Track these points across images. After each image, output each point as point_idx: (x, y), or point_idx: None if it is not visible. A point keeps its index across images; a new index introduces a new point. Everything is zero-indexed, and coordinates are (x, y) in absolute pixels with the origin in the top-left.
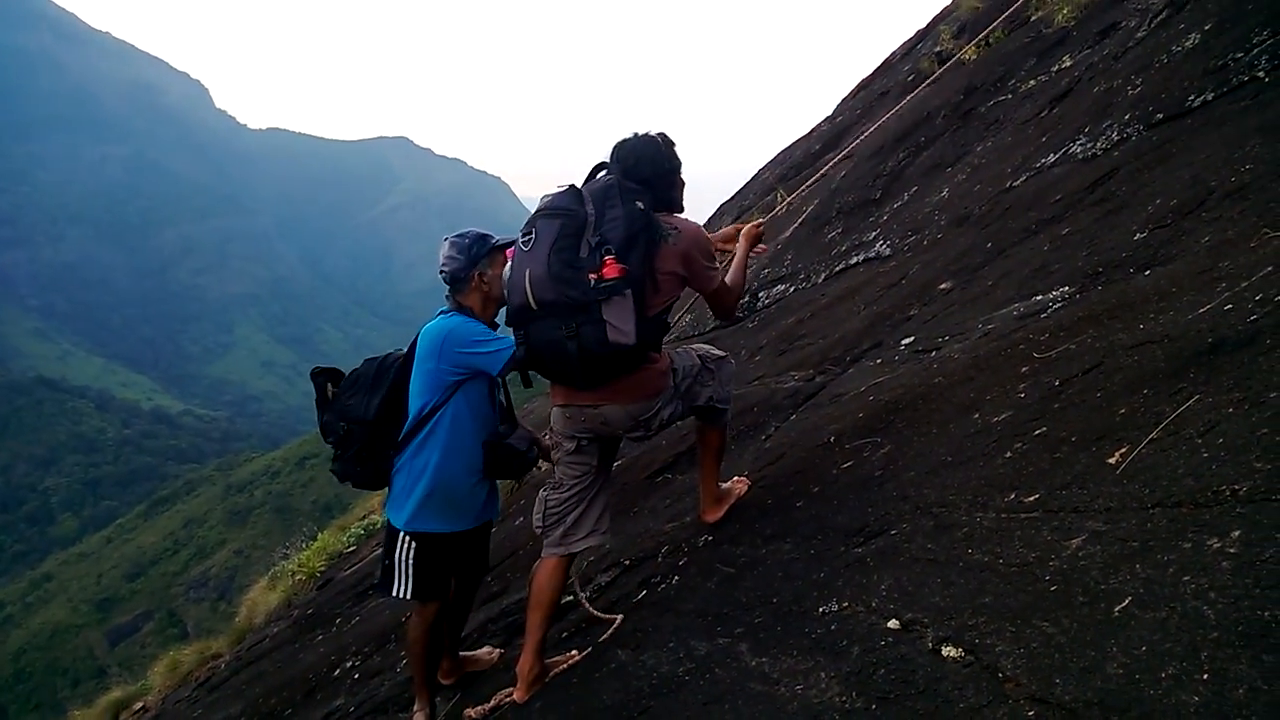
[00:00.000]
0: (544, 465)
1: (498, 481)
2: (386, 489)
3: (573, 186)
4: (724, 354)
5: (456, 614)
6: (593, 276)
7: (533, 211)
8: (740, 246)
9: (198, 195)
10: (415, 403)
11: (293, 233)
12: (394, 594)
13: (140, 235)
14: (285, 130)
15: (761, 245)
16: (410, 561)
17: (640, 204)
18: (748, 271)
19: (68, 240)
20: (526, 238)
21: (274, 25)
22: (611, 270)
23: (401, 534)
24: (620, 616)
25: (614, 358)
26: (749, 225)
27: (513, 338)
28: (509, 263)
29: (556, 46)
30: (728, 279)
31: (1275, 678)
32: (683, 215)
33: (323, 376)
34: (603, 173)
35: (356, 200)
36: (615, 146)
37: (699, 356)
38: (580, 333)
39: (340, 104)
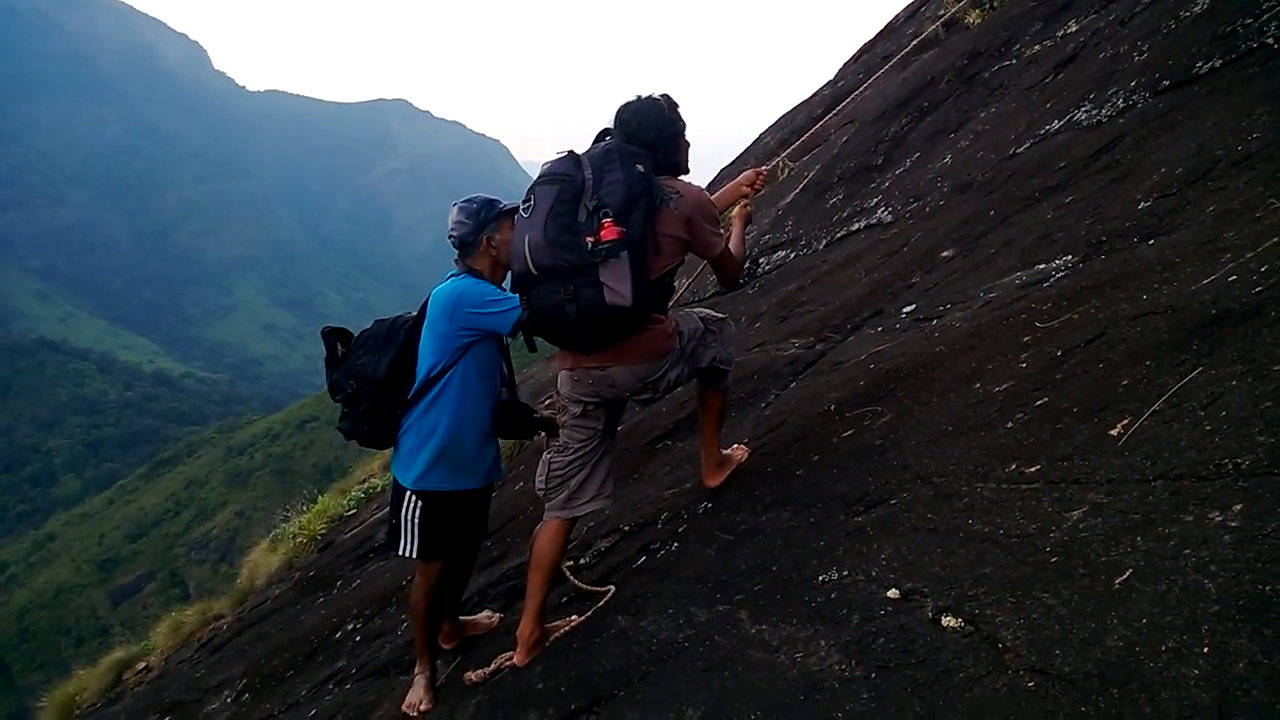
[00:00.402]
0: (543, 434)
1: (500, 443)
2: (391, 449)
3: (571, 152)
4: (724, 316)
5: (457, 578)
6: (589, 240)
7: (534, 176)
8: (735, 225)
9: (197, 158)
10: (425, 363)
11: (292, 196)
12: (400, 552)
13: (140, 197)
14: (284, 92)
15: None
16: (416, 520)
17: (640, 167)
18: (746, 240)
19: (67, 202)
20: (526, 204)
21: None
22: (609, 233)
23: (408, 493)
24: (611, 589)
25: (612, 320)
26: (738, 206)
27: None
28: None
29: (557, 7)
30: (730, 247)
31: (1276, 652)
32: (687, 178)
33: (333, 335)
34: (607, 139)
35: (356, 163)
36: (618, 110)
37: (701, 319)
38: (578, 295)
39: (339, 66)
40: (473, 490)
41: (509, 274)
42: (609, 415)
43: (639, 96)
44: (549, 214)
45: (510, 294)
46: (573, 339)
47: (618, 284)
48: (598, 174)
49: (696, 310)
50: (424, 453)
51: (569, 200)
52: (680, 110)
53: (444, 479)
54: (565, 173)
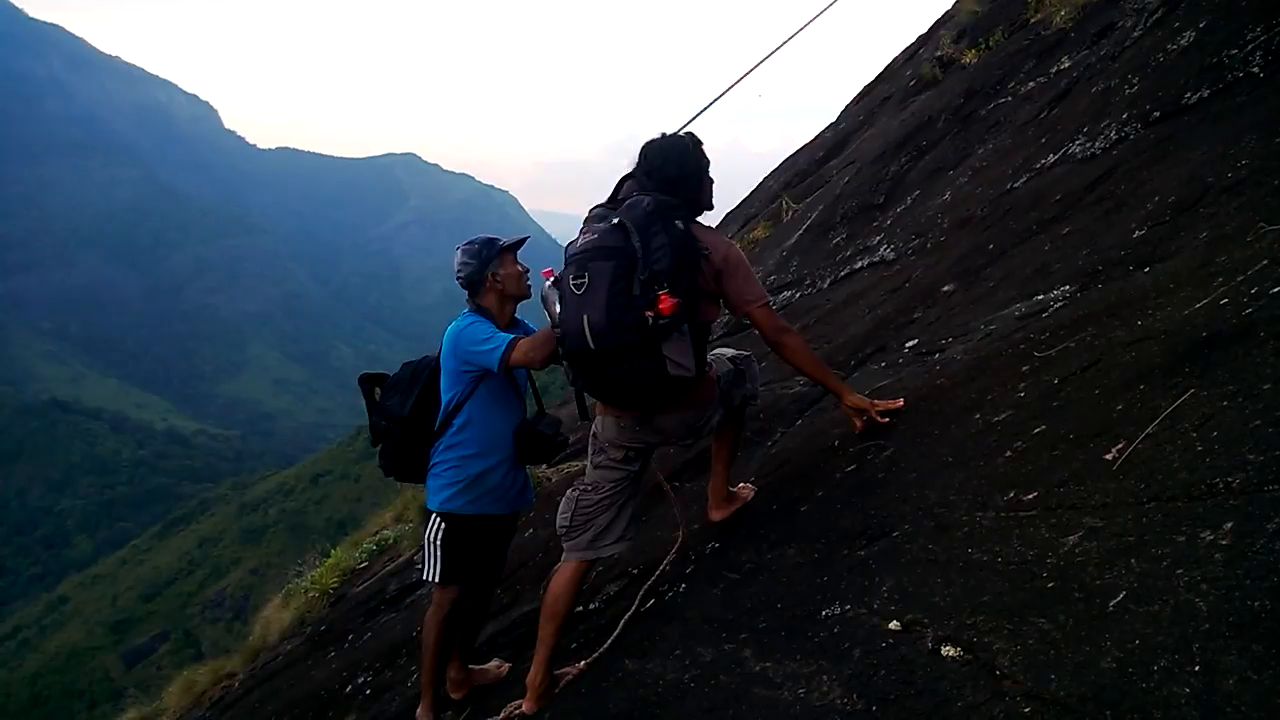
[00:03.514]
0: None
1: (528, 470)
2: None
3: (618, 222)
4: (749, 353)
5: (472, 621)
6: (649, 315)
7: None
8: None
9: (208, 215)
10: (444, 397)
11: (303, 251)
12: (425, 577)
13: (152, 256)
14: (294, 149)
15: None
16: (438, 542)
17: (680, 224)
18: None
19: (80, 263)
20: (579, 280)
21: (282, 45)
22: (667, 306)
23: (433, 515)
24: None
25: (673, 387)
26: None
27: (508, 335)
28: (550, 280)
29: (562, 60)
30: (798, 341)
31: (1264, 667)
32: (708, 224)
33: (369, 381)
34: (629, 183)
35: (366, 216)
36: (643, 147)
37: (729, 359)
38: (644, 371)
39: (348, 122)
40: (497, 516)
41: (519, 303)
42: (645, 459)
43: (664, 134)
44: (609, 293)
45: (500, 334)
46: (637, 405)
47: (681, 358)
48: (645, 240)
49: (722, 350)
50: (449, 479)
51: (624, 276)
52: (704, 148)
53: (468, 503)
54: (617, 245)
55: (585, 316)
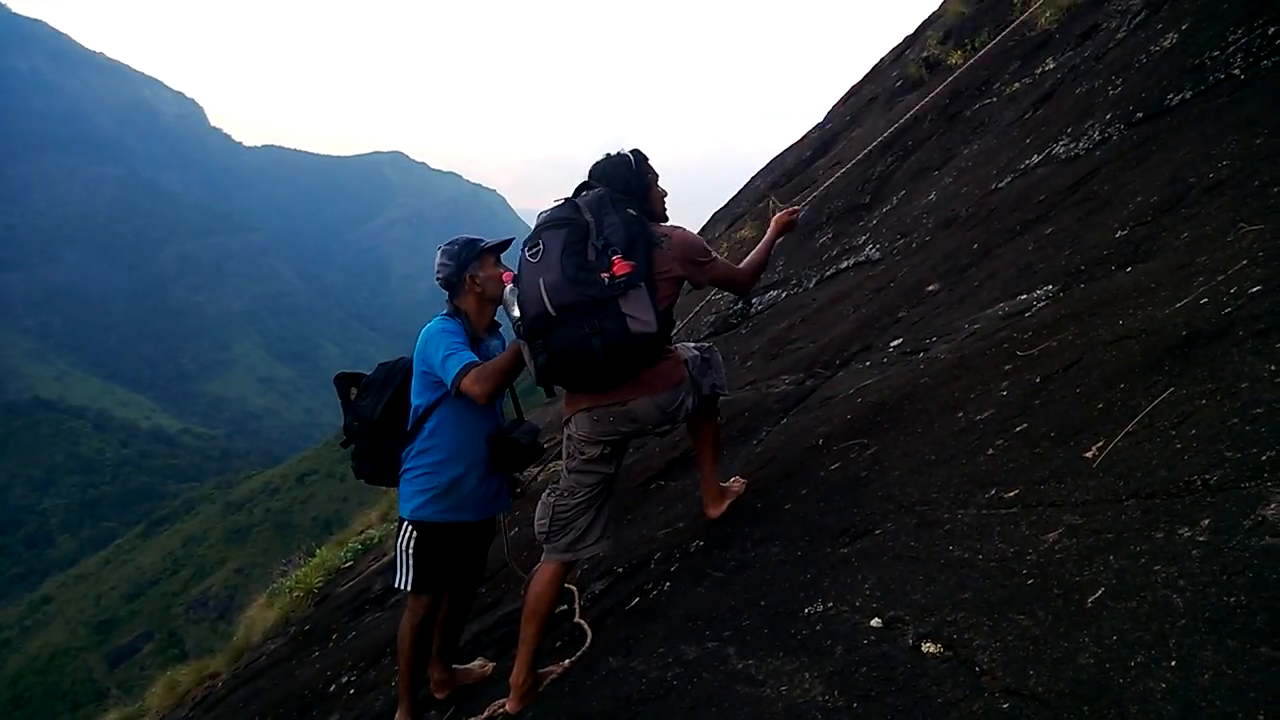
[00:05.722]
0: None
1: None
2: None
3: (568, 200)
4: (710, 344)
5: (453, 622)
6: (605, 276)
7: (533, 225)
8: (770, 231)
9: (194, 213)
10: (414, 400)
11: (290, 249)
12: (395, 584)
13: (137, 254)
14: (280, 147)
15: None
16: (410, 550)
17: (632, 210)
18: (770, 254)
19: (64, 261)
20: (533, 250)
21: (268, 42)
22: (621, 268)
23: (404, 522)
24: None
25: (638, 349)
26: (782, 212)
27: (467, 358)
28: (511, 283)
29: (552, 58)
30: (744, 263)
31: (1238, 662)
32: (670, 223)
33: (345, 381)
34: (586, 191)
35: (353, 215)
36: (590, 170)
37: (694, 348)
38: (603, 328)
39: (335, 119)
40: (472, 524)
41: (519, 322)
42: (620, 458)
43: (608, 155)
44: (562, 254)
45: (462, 353)
46: (599, 373)
47: (641, 313)
48: (597, 217)
49: (685, 343)
50: (420, 485)
51: (578, 241)
52: (649, 162)
53: (440, 511)
54: (568, 217)
55: (541, 280)
